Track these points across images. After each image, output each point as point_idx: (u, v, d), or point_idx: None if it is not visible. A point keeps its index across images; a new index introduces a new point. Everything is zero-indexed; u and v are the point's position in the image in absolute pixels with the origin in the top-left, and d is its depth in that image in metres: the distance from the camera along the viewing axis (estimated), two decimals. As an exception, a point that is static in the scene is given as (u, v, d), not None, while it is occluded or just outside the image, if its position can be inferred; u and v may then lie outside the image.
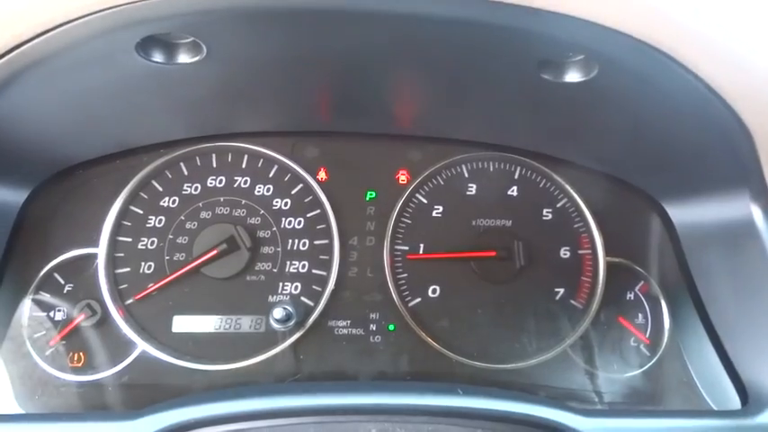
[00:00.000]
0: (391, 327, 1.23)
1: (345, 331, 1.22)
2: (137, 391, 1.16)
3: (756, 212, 0.92)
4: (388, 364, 1.20)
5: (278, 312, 1.13)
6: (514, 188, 1.28)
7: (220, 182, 1.24)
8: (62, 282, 1.19)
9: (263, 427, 0.87)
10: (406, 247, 1.26)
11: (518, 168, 1.29)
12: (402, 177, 1.27)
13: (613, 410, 1.11)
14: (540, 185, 1.29)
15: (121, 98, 1.00)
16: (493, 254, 1.23)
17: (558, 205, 1.28)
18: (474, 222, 1.26)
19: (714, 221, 1.07)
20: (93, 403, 1.15)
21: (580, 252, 1.26)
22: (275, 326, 1.15)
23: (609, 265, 1.25)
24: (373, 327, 1.23)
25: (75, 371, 1.16)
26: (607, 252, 1.25)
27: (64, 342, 1.16)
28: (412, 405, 0.92)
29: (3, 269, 1.11)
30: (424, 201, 1.27)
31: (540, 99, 0.98)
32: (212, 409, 0.88)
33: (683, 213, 1.20)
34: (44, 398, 1.13)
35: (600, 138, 1.12)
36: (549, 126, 1.15)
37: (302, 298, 1.23)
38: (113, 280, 1.20)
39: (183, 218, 1.23)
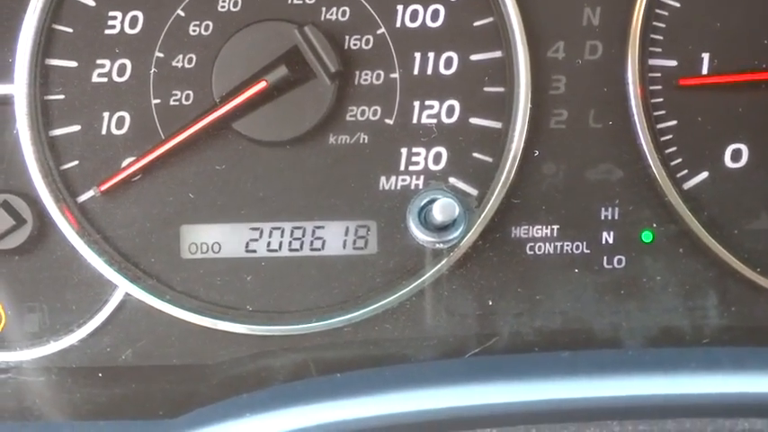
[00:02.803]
0: (647, 236, 1.09)
1: (549, 248, 1.07)
2: (130, 388, 1.07)
3: None
4: (664, 319, 1.08)
5: (443, 210, 0.96)
6: None
7: None
8: None
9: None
10: (674, 62, 1.09)
11: None
12: None
13: None
14: None
15: None
16: None
17: None
18: None
19: None
20: (25, 405, 1.06)
21: None
22: (423, 238, 0.99)
23: None
24: (609, 237, 1.08)
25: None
26: None
27: (-41, 283, 1.10)
28: (750, 396, 0.86)
29: None
30: None
31: None
32: (321, 416, 0.81)
33: None
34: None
35: None
36: None
37: (453, 180, 1.08)
38: (50, 151, 1.07)
39: (182, 13, 1.06)
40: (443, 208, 0.97)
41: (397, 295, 1.06)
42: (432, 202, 0.98)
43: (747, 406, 0.85)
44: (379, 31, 1.06)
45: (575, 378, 0.87)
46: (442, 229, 0.99)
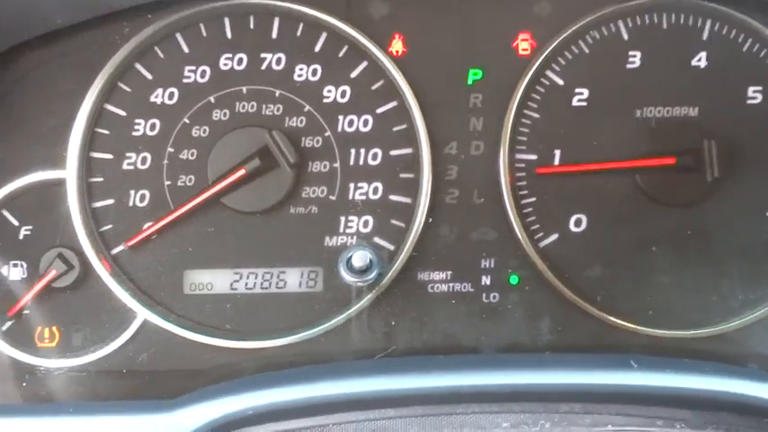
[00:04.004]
0: (514, 279, 1.30)
1: (445, 288, 1.29)
2: (144, 380, 1.25)
3: None
4: (512, 335, 1.28)
5: (359, 258, 1.18)
6: (702, 55, 1.32)
7: (240, 62, 1.29)
8: (16, 223, 1.27)
9: (344, 424, 1.00)
10: (534, 156, 1.31)
11: (708, 22, 1.32)
12: (523, 45, 1.31)
13: None
14: (745, 49, 1.32)
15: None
16: (671, 161, 1.28)
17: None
18: (639, 113, 1.31)
19: None
20: (81, 397, 1.25)
21: (810, 155, 1.29)
22: (348, 279, 1.21)
23: None
24: (487, 280, 1.30)
25: (47, 353, 1.26)
26: None
27: (27, 311, 1.26)
28: (561, 386, 1.04)
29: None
30: (559, 81, 1.32)
31: None
32: (272, 396, 0.99)
33: None
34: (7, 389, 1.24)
35: None
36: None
37: (377, 239, 1.29)
38: (92, 218, 1.27)
39: (187, 121, 1.29)
40: (359, 257, 1.19)
41: (332, 321, 1.26)
42: (356, 251, 1.20)
43: (568, 393, 1.02)
44: (326, 134, 1.29)
45: (445, 372, 1.04)
46: (362, 272, 1.20)
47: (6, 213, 1.27)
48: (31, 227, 1.27)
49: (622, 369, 1.05)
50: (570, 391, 1.04)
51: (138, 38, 1.27)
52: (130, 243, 1.26)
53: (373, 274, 1.21)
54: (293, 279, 1.29)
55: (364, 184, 1.30)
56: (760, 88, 1.32)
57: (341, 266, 1.21)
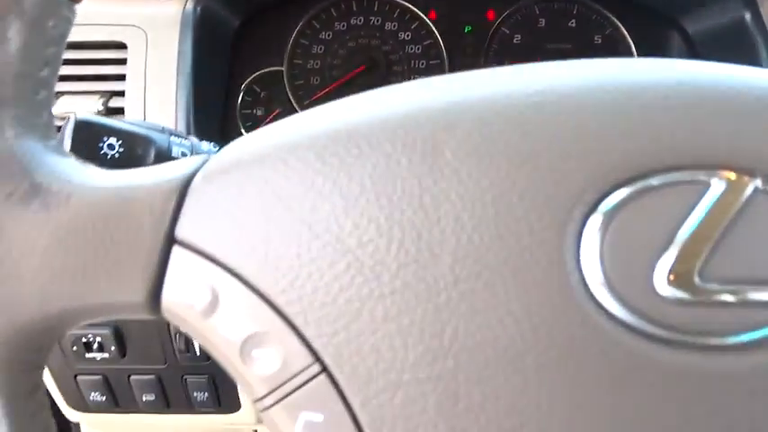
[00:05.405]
0: None
1: None
2: None
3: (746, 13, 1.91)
4: None
5: None
6: (573, 21, 1.99)
7: (360, 20, 1.89)
8: (258, 90, 1.80)
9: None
10: (495, 63, 1.85)
11: (576, 5, 2.14)
12: (490, 15, 1.91)
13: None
14: (593, 18, 2.02)
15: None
16: (556, 65, 2.03)
17: (606, 32, 2.26)
18: (545, 46, 1.92)
19: (721, 27, 2.12)
20: None
21: (623, 72, 2.14)
22: None
23: (644, 79, 2.21)
24: None
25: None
26: (643, 68, 2.25)
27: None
28: None
29: (227, 79, 2.12)
30: (507, 31, 1.91)
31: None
32: None
33: (696, 25, 2.26)
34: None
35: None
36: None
37: None
38: (294, 88, 1.87)
39: (336, 45, 1.86)
40: None
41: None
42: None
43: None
44: (400, 53, 1.84)
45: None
46: None
47: (254, 86, 2.00)
48: (267, 91, 1.80)
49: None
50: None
51: (313, 11, 1.85)
52: (313, 99, 1.85)
53: None
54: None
55: (418, 76, 1.85)
56: (600, 36, 2.24)
57: None
